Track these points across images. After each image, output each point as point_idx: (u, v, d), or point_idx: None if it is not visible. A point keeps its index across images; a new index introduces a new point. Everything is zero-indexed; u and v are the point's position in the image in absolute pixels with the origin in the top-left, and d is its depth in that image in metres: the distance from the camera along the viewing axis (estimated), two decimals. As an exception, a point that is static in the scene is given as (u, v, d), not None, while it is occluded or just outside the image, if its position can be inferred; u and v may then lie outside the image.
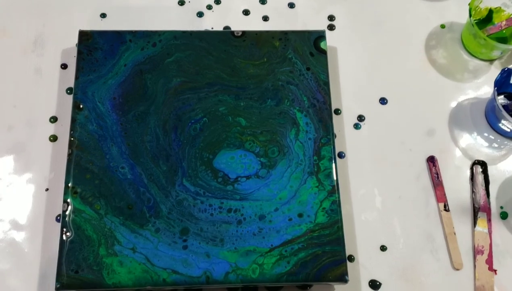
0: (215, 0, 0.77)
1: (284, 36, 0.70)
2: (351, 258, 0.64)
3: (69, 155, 0.62)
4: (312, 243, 0.60)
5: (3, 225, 0.63)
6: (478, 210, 0.66)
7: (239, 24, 0.75)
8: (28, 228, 0.63)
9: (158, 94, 0.66)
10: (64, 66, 0.72)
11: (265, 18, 0.76)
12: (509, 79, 0.70)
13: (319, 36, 0.70)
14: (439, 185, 0.67)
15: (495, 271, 0.63)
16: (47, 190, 0.65)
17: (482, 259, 0.63)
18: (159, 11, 0.76)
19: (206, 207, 0.61)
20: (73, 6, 0.76)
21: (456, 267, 0.63)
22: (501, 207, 0.66)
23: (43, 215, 0.64)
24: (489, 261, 0.63)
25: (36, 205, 0.64)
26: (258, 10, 0.77)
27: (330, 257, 0.59)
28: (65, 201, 0.60)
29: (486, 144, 0.70)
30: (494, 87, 0.67)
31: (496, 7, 0.75)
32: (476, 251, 0.64)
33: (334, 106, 0.71)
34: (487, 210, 0.66)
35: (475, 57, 0.75)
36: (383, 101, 0.72)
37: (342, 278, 0.58)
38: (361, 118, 0.71)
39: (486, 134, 0.71)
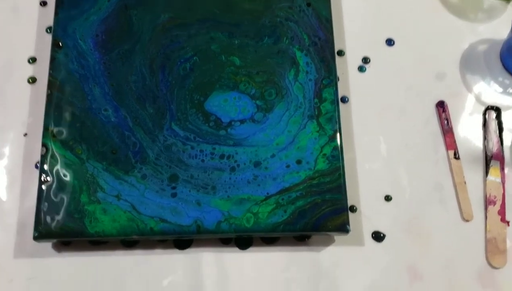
0: None
1: (283, -32, 0.63)
2: (353, 209, 0.59)
3: (48, 96, 0.57)
4: (311, 191, 0.55)
5: (-22, 172, 0.59)
6: (491, 158, 0.61)
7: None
8: (5, 176, 0.59)
9: (144, 31, 0.60)
10: (43, 3, 0.66)
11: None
12: (528, 18, 0.64)
13: (322, -31, 0.64)
14: (449, 131, 0.62)
15: (507, 222, 0.59)
16: (25, 135, 0.60)
17: (494, 210, 0.59)
18: None
19: (197, 152, 0.56)
20: None
21: (465, 218, 0.59)
22: (516, 155, 0.62)
23: (22, 162, 0.59)
24: (502, 212, 0.59)
25: (13, 151, 0.60)
26: None
27: (330, 205, 0.55)
28: (44, 145, 0.56)
29: (501, 89, 0.65)
30: (512, 25, 0.61)
31: None
32: (487, 202, 0.59)
33: (337, 48, 0.65)
34: (500, 158, 0.61)
35: (491, -5, 0.69)
36: (390, 42, 0.67)
37: (343, 227, 0.54)
38: (366, 60, 0.66)
39: (500, 78, 0.66)
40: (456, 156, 0.61)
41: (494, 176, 0.60)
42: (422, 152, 0.62)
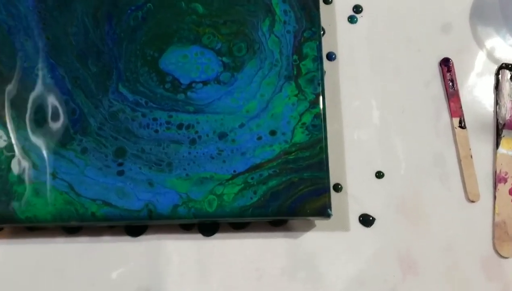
0: None
1: None
2: (337, 187, 0.50)
3: (-31, 52, 0.47)
4: (286, 168, 0.46)
5: None
6: (503, 127, 0.52)
7: None
8: None
9: (87, -28, 0.49)
10: None
11: None
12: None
13: None
14: (454, 95, 0.53)
15: (520, 204, 0.50)
16: None
17: (504, 188, 0.50)
18: None
19: (149, 121, 0.46)
20: None
21: (471, 198, 0.50)
22: (533, 124, 0.52)
23: None
24: (514, 192, 0.50)
25: None
26: None
27: (309, 185, 0.46)
28: (-37, 112, 0.46)
29: (517, 44, 0.55)
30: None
31: None
32: (497, 179, 0.50)
33: (323, -8, 0.54)
34: (514, 127, 0.51)
35: None
36: (387, -14, 0.56)
37: (324, 211, 0.45)
38: (357, 9, 0.55)
39: (518, 31, 0.55)
40: (462, 125, 0.52)
41: (506, 148, 0.51)
42: (421, 119, 0.52)
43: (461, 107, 0.52)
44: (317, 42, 0.49)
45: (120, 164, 0.45)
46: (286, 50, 0.49)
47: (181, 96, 0.47)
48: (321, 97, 0.48)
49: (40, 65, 0.47)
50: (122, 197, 0.45)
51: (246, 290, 0.47)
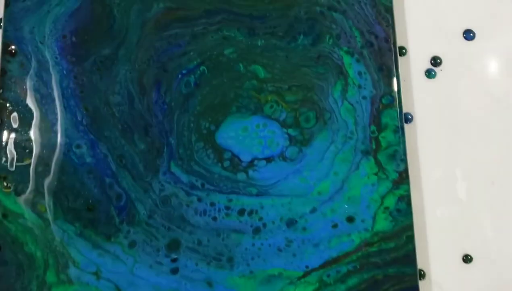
0: None
1: None
2: (420, 274, 0.43)
3: (-2, 126, 0.41)
4: (368, 262, 0.39)
5: None
6: None
7: None
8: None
9: (130, 30, 0.43)
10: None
11: None
12: None
13: None
14: (552, 162, 0.45)
15: None
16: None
17: None
18: None
19: (206, 207, 0.40)
20: None
21: None
22: None
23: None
24: None
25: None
26: None
27: (395, 284, 0.39)
28: (-8, 199, 0.40)
29: None
30: None
31: None
32: None
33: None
34: None
35: None
36: (468, 35, 0.48)
37: (414, 315, 0.38)
38: (436, 61, 0.48)
39: None
40: None
41: None
42: (515, 192, 0.45)
43: (561, 177, 0.45)
44: (398, 110, 0.42)
45: (174, 260, 0.39)
46: (362, 120, 0.42)
47: (241, 176, 0.41)
48: (405, 176, 0.41)
49: (78, 142, 0.41)
50: (177, 300, 0.38)
51: None
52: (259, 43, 0.43)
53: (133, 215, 0.40)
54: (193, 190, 0.40)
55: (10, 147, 0.40)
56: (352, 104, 0.42)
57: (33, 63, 0.42)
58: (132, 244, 0.39)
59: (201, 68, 0.42)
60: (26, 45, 0.42)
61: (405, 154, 0.41)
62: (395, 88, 0.42)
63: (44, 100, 0.41)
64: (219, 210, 0.40)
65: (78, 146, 0.41)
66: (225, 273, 0.39)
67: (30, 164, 0.40)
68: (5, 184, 0.40)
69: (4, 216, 0.39)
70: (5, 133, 0.41)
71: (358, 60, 0.43)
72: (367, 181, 0.41)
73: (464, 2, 0.49)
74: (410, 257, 0.39)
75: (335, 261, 0.39)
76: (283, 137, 0.41)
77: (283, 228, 0.40)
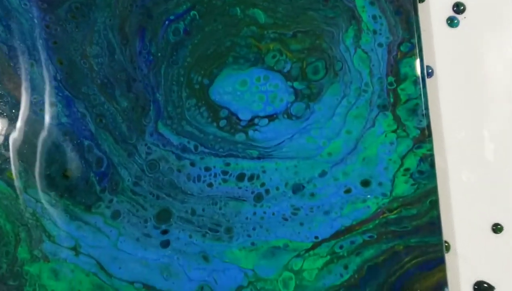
0: None
1: None
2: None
3: (-41, 83, 0.36)
4: (387, 232, 0.34)
5: None
6: None
7: None
8: None
9: (109, -29, 0.37)
10: None
11: None
12: None
13: None
14: None
15: None
16: None
17: None
18: None
19: (201, 172, 0.35)
20: None
21: None
22: None
23: None
24: None
25: None
26: None
27: (418, 256, 0.34)
28: (-47, 166, 0.35)
29: None
30: None
31: None
32: None
33: (414, -13, 0.41)
34: None
35: None
36: (495, -24, 0.43)
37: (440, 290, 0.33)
38: (458, 8, 0.42)
39: None
40: None
41: None
42: (550, 152, 0.40)
43: None
44: (418, 58, 0.37)
45: (165, 232, 0.34)
46: (378, 70, 0.36)
47: (240, 137, 0.35)
48: (427, 133, 0.36)
49: (52, 99, 0.35)
50: (168, 277, 0.33)
51: None
52: (258, -16, 0.37)
53: (116, 182, 0.34)
54: (185, 153, 0.35)
55: (-26, 107, 0.35)
56: (366, 53, 0.36)
57: (-1, 10, 0.36)
58: (115, 215, 0.34)
59: (191, 13, 0.37)
60: (-10, -10, 0.37)
61: (427, 107, 0.36)
62: (415, 33, 0.37)
63: (12, 52, 0.36)
64: (215, 176, 0.35)
65: (52, 104, 0.35)
66: (223, 246, 0.34)
67: (-4, 125, 0.35)
68: (-32, 148, 0.35)
69: (-32, 185, 0.34)
70: (-33, 90, 0.35)
71: (372, 3, 0.37)
72: (385, 139, 0.35)
73: None
74: (434, 224, 0.34)
75: (348, 230, 0.34)
76: (287, 92, 0.36)
77: (288, 195, 0.35)
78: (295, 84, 0.36)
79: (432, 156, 0.35)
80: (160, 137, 0.35)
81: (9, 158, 0.34)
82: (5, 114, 0.35)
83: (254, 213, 0.34)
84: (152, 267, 0.33)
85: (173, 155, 0.35)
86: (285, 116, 0.36)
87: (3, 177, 0.34)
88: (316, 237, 0.34)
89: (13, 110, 0.35)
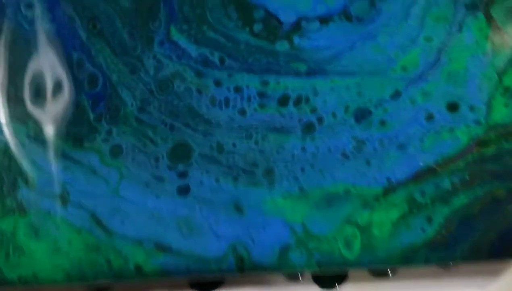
0: None
1: None
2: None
3: None
4: (482, 171, 0.25)
5: None
6: None
7: None
8: None
9: None
10: None
11: None
12: None
13: None
14: None
15: None
16: None
17: None
18: None
19: (229, 93, 0.26)
20: None
21: None
22: None
23: None
24: None
25: None
26: None
27: (526, 203, 0.25)
28: None
29: None
30: None
31: None
32: None
33: None
34: None
35: None
36: None
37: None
38: None
39: None
40: None
41: None
42: None
43: None
44: None
45: (182, 174, 0.25)
46: (468, -45, 0.27)
47: (282, 45, 0.26)
48: (536, 40, 0.26)
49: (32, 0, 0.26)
50: (188, 235, 0.25)
51: None
52: None
53: (116, 107, 0.25)
54: (207, 68, 0.26)
55: None
56: None
57: None
58: (115, 151, 0.25)
59: None
60: None
61: (534, 6, 0.26)
62: None
63: None
64: (249, 99, 0.26)
65: (30, 5, 0.26)
66: (261, 193, 0.25)
67: (-46, 34, 0.26)
68: None
69: None
70: None
71: None
72: (476, 48, 0.26)
73: None
74: (548, 162, 0.25)
75: (431, 171, 0.25)
76: (344, -15, 0.27)
77: (349, 123, 0.25)
78: (355, -25, 0.27)
79: (541, 70, 0.26)
80: (174, 47, 0.26)
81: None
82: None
83: (303, 149, 0.25)
84: (167, 221, 0.25)
85: (191, 70, 0.26)
86: (343, 17, 0.26)
87: (-37, 101, 0.25)
88: (389, 180, 0.25)
89: (-24, 14, 0.26)
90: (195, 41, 0.26)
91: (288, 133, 0.25)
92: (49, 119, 0.25)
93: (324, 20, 0.26)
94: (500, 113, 0.26)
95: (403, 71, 0.26)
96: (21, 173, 0.25)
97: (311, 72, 0.26)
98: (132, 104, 0.26)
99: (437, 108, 0.26)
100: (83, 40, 0.26)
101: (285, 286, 0.28)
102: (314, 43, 0.26)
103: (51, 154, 0.25)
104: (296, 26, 0.26)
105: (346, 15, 0.26)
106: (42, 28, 0.26)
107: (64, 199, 0.25)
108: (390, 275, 0.28)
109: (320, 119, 0.26)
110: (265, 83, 0.26)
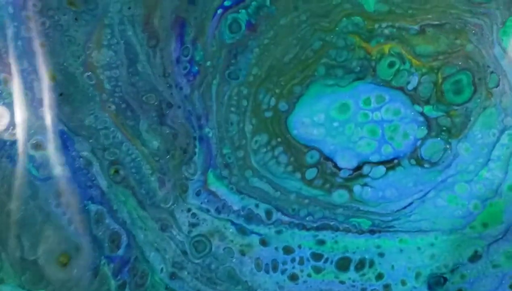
0: None
1: None
2: None
3: None
4: None
5: None
6: None
7: None
8: None
9: None
10: None
11: None
12: None
13: None
14: None
15: None
16: None
17: None
18: None
19: (277, 255, 0.22)
20: None
21: None
22: None
23: None
24: None
25: None
26: None
27: None
28: None
29: None
30: None
31: None
32: None
33: None
34: None
35: None
36: None
37: None
38: None
39: None
40: None
41: None
42: None
43: None
44: None
45: None
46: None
47: (341, 196, 0.22)
48: None
49: (36, 138, 0.22)
50: None
51: None
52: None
53: (143, 274, 0.21)
54: (252, 224, 0.22)
55: None
56: (538, 59, 0.23)
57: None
58: None
59: (252, 3, 0.23)
60: None
61: None
62: None
63: (-26, 61, 0.22)
64: (301, 262, 0.22)
65: (37, 146, 0.22)
66: None
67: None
68: None
69: None
70: None
71: (544, -23, 0.23)
72: None
73: None
74: None
75: None
76: (415, 122, 0.22)
77: (423, 294, 0.21)
78: (427, 109, 0.22)
79: None
80: (212, 197, 0.22)
81: None
82: None
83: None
84: None
85: (232, 226, 0.22)
86: (413, 161, 0.22)
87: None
88: None
89: (-25, 156, 0.22)
90: (238, 191, 0.22)
91: (349, 306, 0.21)
92: (62, 288, 0.21)
93: (391, 164, 0.22)
94: None
95: (484, 228, 0.22)
96: None
97: (376, 230, 0.22)
98: (162, 270, 0.21)
99: (526, 274, 0.22)
100: (103, 190, 0.22)
101: None
102: (379, 193, 0.22)
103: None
104: (357, 173, 0.22)
105: (417, 158, 0.22)
106: (51, 174, 0.22)
107: None
108: None
109: (387, 288, 0.21)
110: (320, 242, 0.22)
